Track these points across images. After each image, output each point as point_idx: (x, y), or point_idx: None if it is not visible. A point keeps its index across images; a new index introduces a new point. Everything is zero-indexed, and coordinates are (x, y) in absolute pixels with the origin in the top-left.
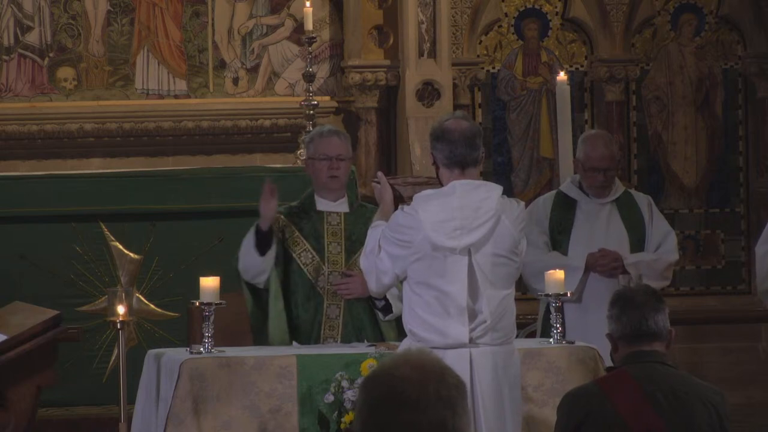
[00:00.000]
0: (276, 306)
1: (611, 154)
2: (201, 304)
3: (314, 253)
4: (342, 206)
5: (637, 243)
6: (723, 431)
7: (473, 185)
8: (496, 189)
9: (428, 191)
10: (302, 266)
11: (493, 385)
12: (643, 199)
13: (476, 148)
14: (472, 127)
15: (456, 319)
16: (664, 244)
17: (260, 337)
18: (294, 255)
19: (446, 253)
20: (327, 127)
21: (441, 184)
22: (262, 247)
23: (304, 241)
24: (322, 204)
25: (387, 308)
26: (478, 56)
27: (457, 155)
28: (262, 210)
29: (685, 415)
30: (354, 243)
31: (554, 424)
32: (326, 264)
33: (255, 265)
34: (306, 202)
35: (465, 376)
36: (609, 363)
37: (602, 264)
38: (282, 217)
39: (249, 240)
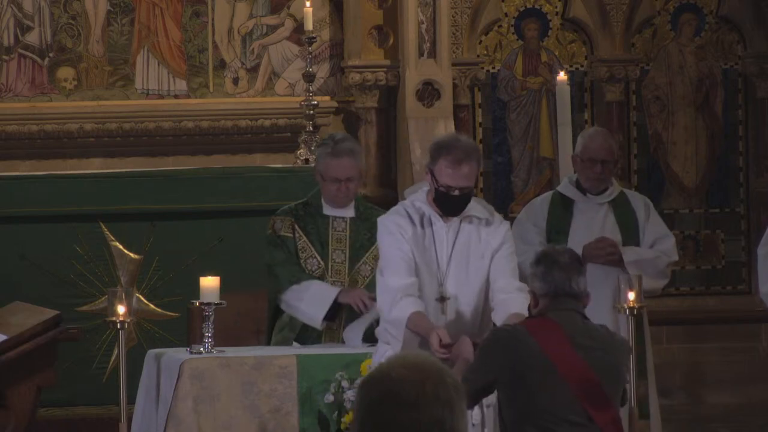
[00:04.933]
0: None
1: (610, 147)
2: (201, 304)
3: (319, 260)
4: (348, 211)
5: (632, 244)
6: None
7: None
8: None
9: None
10: (308, 273)
11: None
12: (639, 200)
13: None
14: None
15: None
16: (660, 244)
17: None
18: (301, 262)
19: None
20: (340, 145)
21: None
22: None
23: (311, 247)
24: (328, 208)
25: None
26: (478, 56)
27: None
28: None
29: (603, 357)
30: (358, 251)
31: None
32: (330, 273)
33: (307, 321)
34: (312, 203)
35: None
36: None
37: (598, 249)
38: (290, 219)
39: (317, 303)
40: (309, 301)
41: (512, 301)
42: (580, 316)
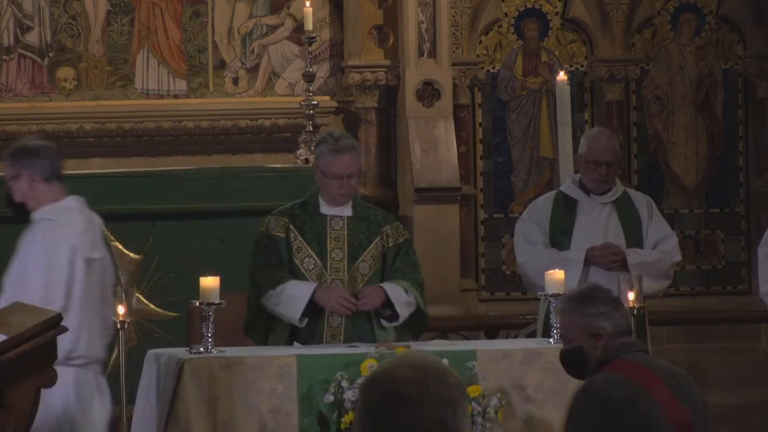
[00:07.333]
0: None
1: (614, 147)
2: (201, 304)
3: (317, 259)
4: (346, 210)
5: (635, 244)
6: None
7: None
8: None
9: (49, 208)
10: (305, 272)
11: None
12: (642, 200)
13: None
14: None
15: None
16: (663, 244)
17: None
18: (297, 261)
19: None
20: (340, 142)
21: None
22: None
23: (307, 247)
24: (326, 207)
25: (393, 317)
26: (478, 56)
27: (60, 168)
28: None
29: (689, 395)
30: (356, 249)
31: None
32: (328, 271)
33: (290, 322)
34: (310, 202)
35: None
36: None
37: (601, 257)
38: (285, 219)
39: (292, 304)
40: (285, 303)
41: None
42: (648, 354)
